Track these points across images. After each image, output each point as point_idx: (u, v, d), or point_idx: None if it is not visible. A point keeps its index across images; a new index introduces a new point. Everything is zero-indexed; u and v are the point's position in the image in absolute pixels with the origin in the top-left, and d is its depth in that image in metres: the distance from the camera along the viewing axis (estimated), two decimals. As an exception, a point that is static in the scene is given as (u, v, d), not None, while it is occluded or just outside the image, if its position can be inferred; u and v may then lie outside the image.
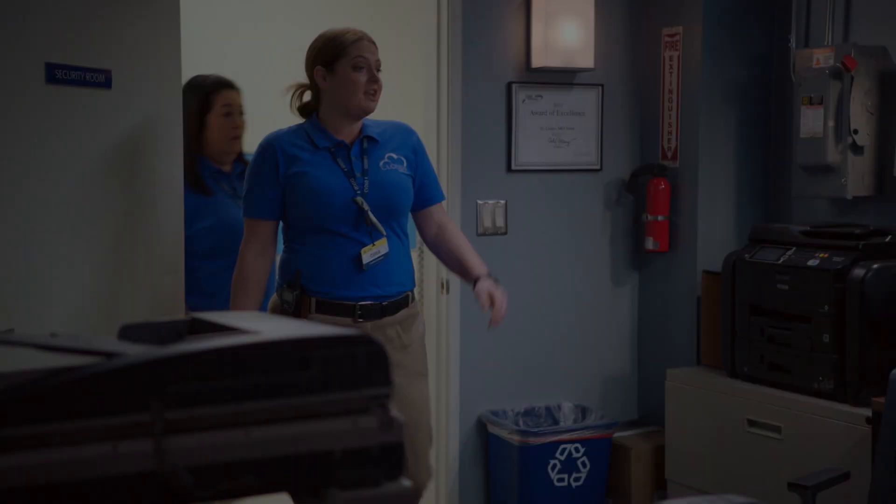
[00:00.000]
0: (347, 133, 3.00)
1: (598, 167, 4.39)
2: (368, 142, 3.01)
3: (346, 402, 1.24)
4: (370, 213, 2.92)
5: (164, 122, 3.20)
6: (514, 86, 4.18)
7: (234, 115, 3.54)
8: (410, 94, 4.46)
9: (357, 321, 2.94)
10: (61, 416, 1.10)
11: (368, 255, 2.94)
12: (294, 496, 1.25)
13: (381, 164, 3.00)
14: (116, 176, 3.10)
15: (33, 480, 1.08)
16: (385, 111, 3.19)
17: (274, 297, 3.03)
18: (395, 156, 3.03)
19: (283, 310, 2.93)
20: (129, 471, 1.12)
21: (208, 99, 3.49)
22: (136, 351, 1.19)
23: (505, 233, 4.23)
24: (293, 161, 2.96)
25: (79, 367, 1.12)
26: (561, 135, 4.30)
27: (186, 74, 3.37)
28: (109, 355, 1.16)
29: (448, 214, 3.18)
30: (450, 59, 4.08)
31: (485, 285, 3.04)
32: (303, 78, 3.10)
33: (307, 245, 2.96)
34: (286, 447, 1.21)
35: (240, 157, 3.56)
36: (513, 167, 4.22)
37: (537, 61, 4.16)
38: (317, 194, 2.93)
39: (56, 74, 2.91)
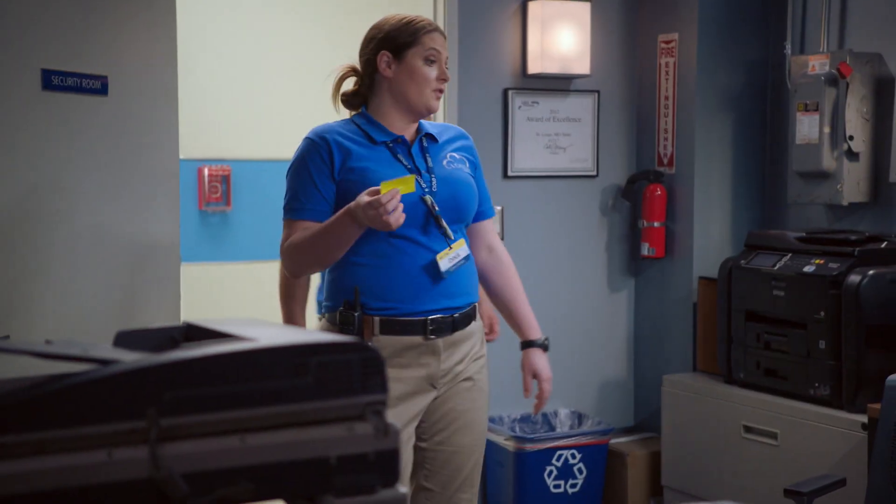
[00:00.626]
0: (405, 131, 2.64)
1: (594, 173, 4.39)
2: (428, 140, 2.66)
3: (342, 409, 1.24)
4: (440, 214, 2.55)
5: (160, 128, 3.20)
6: (510, 92, 4.19)
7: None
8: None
9: (428, 338, 2.54)
10: (56, 423, 1.09)
11: (447, 259, 2.55)
12: (290, 503, 1.25)
13: (445, 162, 2.66)
14: (112, 183, 3.10)
15: (28, 488, 1.08)
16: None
17: (323, 324, 2.61)
18: (457, 155, 2.70)
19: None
20: (125, 478, 1.12)
21: None
22: (131, 358, 1.18)
23: (501, 238, 4.23)
24: (349, 155, 2.56)
25: (74, 374, 1.12)
26: (557, 141, 4.30)
27: (182, 81, 3.37)
28: (105, 362, 1.16)
29: (497, 234, 2.86)
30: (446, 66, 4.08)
31: (534, 360, 2.78)
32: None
33: (365, 255, 2.53)
34: (282, 454, 1.20)
35: None
36: (509, 173, 4.22)
37: (533, 68, 4.17)
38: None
39: (52, 81, 2.91)
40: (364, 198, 2.36)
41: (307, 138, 2.61)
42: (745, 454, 3.71)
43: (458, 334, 2.60)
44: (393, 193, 2.33)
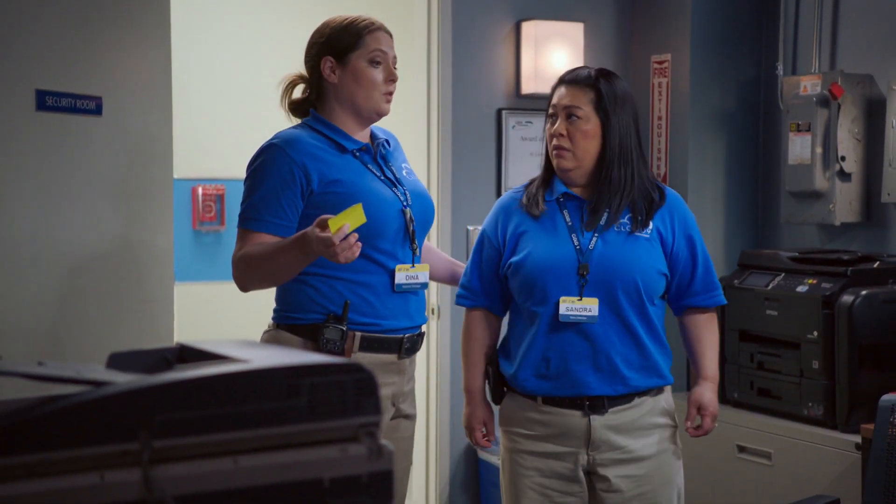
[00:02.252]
0: (361, 137, 2.54)
1: (587, 193, 4.40)
2: (384, 147, 2.56)
3: (336, 431, 1.24)
4: (413, 228, 2.51)
5: (155, 148, 3.21)
6: (504, 112, 4.20)
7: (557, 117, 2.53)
8: (401, 120, 4.47)
9: (401, 357, 2.50)
10: (49, 446, 1.09)
11: (404, 275, 2.48)
12: (282, 525, 1.24)
13: (405, 172, 2.58)
14: (107, 203, 3.10)
15: (20, 510, 1.07)
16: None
17: (282, 336, 2.46)
18: (407, 166, 2.62)
19: (326, 351, 2.39)
20: (117, 500, 1.12)
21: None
22: (124, 379, 1.18)
23: (495, 258, 4.24)
24: (328, 168, 2.44)
25: (67, 396, 1.12)
26: (551, 161, 4.31)
27: (177, 101, 3.37)
28: (98, 384, 1.16)
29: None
30: (440, 86, 4.10)
31: None
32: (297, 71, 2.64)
33: (344, 269, 2.40)
34: (275, 476, 1.20)
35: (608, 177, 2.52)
36: (503, 192, 4.22)
37: (527, 88, 4.19)
38: (366, 206, 2.35)
39: (46, 101, 2.92)
40: (316, 231, 2.21)
41: (276, 146, 2.44)
42: (739, 474, 3.70)
43: (415, 354, 2.57)
44: (343, 231, 2.18)
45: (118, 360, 1.38)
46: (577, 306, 2.44)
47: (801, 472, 3.48)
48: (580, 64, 4.21)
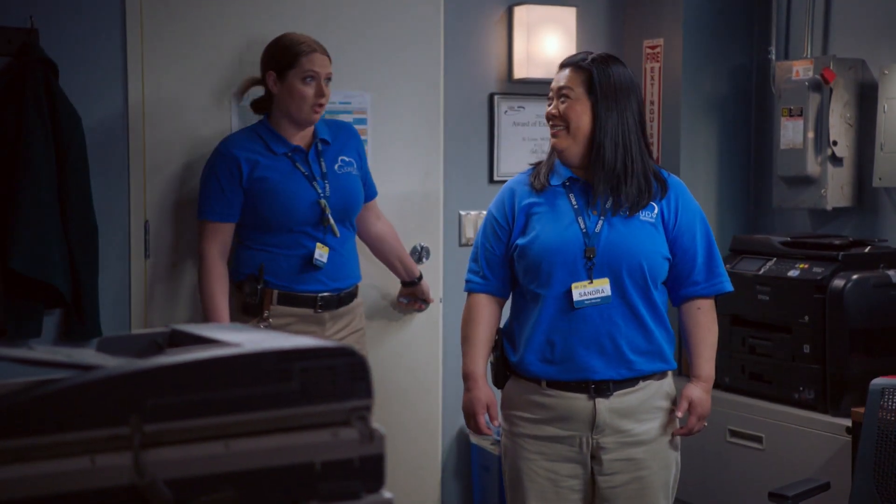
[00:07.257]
0: (301, 137, 3.08)
1: (579, 178, 4.39)
2: (322, 144, 3.11)
3: (327, 415, 1.24)
4: (330, 215, 3.04)
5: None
6: (496, 97, 4.19)
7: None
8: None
9: (317, 311, 3.07)
10: (39, 430, 1.09)
11: (318, 252, 3.06)
12: (274, 509, 1.24)
13: (336, 166, 3.11)
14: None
15: (10, 495, 1.07)
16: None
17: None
18: (346, 158, 3.15)
19: (245, 304, 3.01)
20: (108, 485, 1.12)
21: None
22: (114, 363, 1.18)
23: (487, 244, 4.23)
24: (255, 166, 3.01)
25: (57, 380, 1.12)
26: (543, 146, 4.30)
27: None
28: (88, 368, 1.16)
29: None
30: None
31: (424, 288, 3.61)
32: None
33: (267, 244, 3.03)
34: (266, 460, 1.20)
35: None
36: (495, 178, 4.22)
37: (519, 73, 4.17)
38: (282, 199, 2.99)
39: None
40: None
41: (218, 150, 3.03)
42: (731, 458, 3.72)
43: (342, 308, 3.12)
44: None
45: (108, 344, 1.38)
46: (590, 289, 2.48)
47: (792, 456, 3.49)
48: (572, 49, 4.21)
